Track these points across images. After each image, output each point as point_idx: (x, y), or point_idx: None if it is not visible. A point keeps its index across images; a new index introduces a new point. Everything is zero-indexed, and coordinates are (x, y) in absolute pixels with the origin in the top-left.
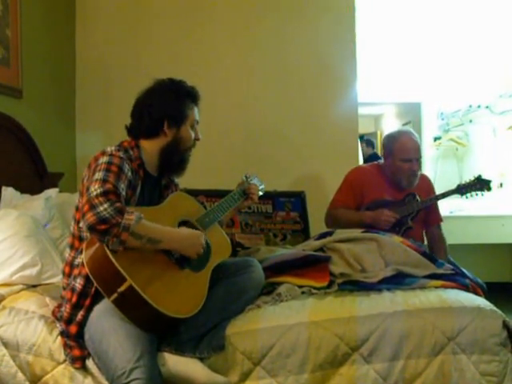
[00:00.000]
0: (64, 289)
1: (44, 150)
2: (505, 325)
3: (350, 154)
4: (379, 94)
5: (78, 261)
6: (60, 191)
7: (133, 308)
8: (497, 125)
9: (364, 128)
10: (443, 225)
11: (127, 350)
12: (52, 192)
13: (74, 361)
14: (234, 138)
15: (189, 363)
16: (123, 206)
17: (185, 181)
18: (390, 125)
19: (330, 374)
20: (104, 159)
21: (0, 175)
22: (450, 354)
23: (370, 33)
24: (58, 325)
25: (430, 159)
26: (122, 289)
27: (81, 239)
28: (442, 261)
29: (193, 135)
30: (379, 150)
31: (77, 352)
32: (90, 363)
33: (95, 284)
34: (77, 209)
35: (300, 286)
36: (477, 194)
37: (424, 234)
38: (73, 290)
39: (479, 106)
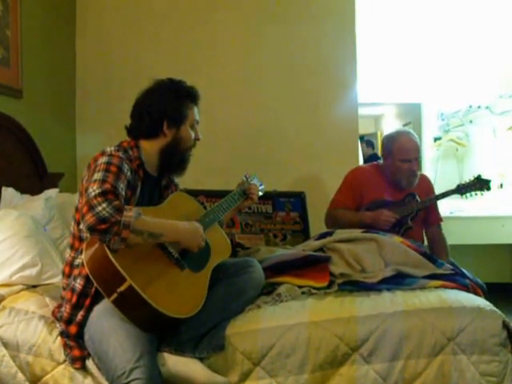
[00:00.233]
0: (64, 289)
1: (44, 150)
2: (505, 325)
3: (350, 154)
4: (379, 94)
5: (77, 261)
6: (60, 191)
7: (133, 308)
8: (497, 125)
9: (364, 128)
10: (443, 225)
11: (127, 350)
12: (52, 192)
13: (73, 361)
14: (234, 139)
15: (189, 363)
16: (122, 204)
17: (185, 181)
18: (390, 125)
19: (330, 374)
20: (103, 159)
21: (0, 175)
22: (450, 354)
23: (370, 34)
24: (57, 325)
25: (430, 160)
26: (121, 289)
27: (81, 239)
28: (442, 261)
29: (193, 135)
30: (379, 151)
31: (77, 352)
32: (89, 363)
33: (95, 284)
34: (76, 209)
35: (300, 287)
36: (476, 194)
37: (424, 234)
38: (73, 290)
39: (479, 107)
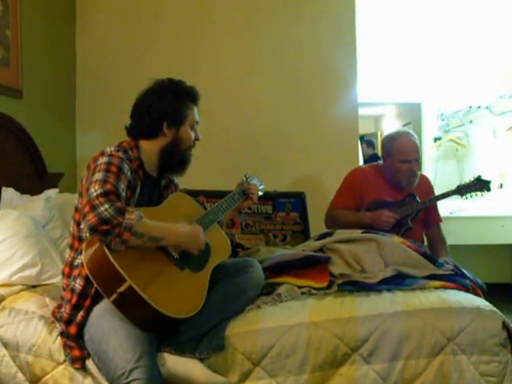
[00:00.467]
0: (64, 289)
1: (44, 151)
2: (504, 325)
3: (350, 154)
4: (379, 94)
5: (77, 261)
6: (60, 191)
7: (132, 308)
8: (497, 125)
9: (364, 129)
10: (443, 225)
11: (127, 350)
12: (52, 192)
13: (73, 361)
14: (233, 139)
15: (188, 363)
16: (124, 205)
17: (184, 181)
18: (390, 125)
19: (330, 374)
20: (103, 160)
21: (0, 175)
22: (450, 354)
23: (370, 34)
24: (57, 325)
25: (430, 160)
26: (121, 289)
27: (80, 240)
28: (441, 261)
29: (192, 135)
30: (379, 151)
31: (77, 352)
32: (89, 364)
33: (95, 284)
34: (76, 209)
35: (300, 287)
36: (476, 195)
37: (424, 234)
38: (73, 290)
39: (479, 107)
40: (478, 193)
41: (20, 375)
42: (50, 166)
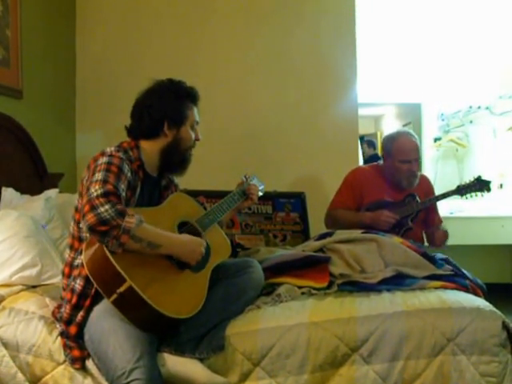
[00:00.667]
0: (64, 289)
1: (44, 151)
2: (504, 326)
3: (350, 154)
4: (379, 94)
5: (77, 261)
6: (60, 192)
7: (132, 308)
8: (497, 126)
9: (364, 129)
10: (443, 225)
11: (127, 350)
12: (52, 192)
13: (73, 361)
14: (233, 139)
15: (188, 364)
16: (124, 208)
17: (185, 181)
18: (390, 126)
19: (330, 374)
20: (104, 160)
21: (0, 176)
22: (450, 354)
23: (370, 34)
24: (57, 325)
25: (430, 160)
26: (121, 289)
27: (80, 240)
28: (441, 262)
29: (193, 135)
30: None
31: (76, 353)
32: (89, 364)
33: (95, 285)
34: (76, 209)
35: (300, 287)
36: (476, 195)
37: (424, 234)
38: (73, 290)
39: (479, 107)
40: (478, 193)
41: (20, 375)
42: (49, 166)
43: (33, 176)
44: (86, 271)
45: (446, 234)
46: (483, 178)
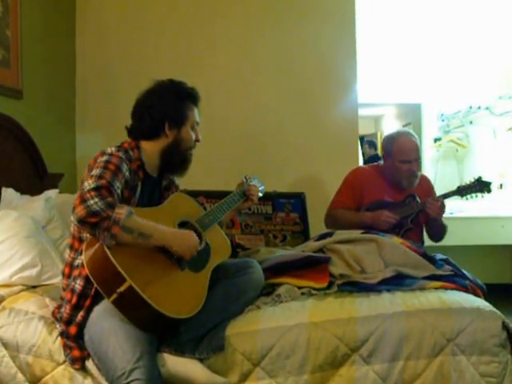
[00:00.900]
0: (64, 290)
1: (44, 151)
2: (504, 326)
3: (350, 155)
4: (379, 95)
5: (77, 262)
6: (60, 192)
7: (132, 308)
8: (497, 126)
9: (364, 129)
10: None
11: (127, 350)
12: (52, 193)
13: (73, 362)
14: (233, 140)
15: (188, 364)
16: (114, 200)
17: (185, 182)
18: (390, 126)
19: (330, 374)
20: (103, 158)
21: (0, 176)
22: (450, 355)
23: (370, 34)
24: (57, 326)
25: (430, 160)
26: (121, 289)
27: (81, 240)
28: (441, 262)
29: (193, 136)
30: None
31: (76, 353)
32: (89, 364)
33: (95, 285)
34: None
35: (300, 287)
36: (476, 196)
37: (423, 233)
38: (73, 290)
39: (479, 108)
40: (479, 194)
41: (20, 376)
42: (49, 167)
43: (33, 176)
44: (86, 271)
45: (442, 203)
46: (484, 179)
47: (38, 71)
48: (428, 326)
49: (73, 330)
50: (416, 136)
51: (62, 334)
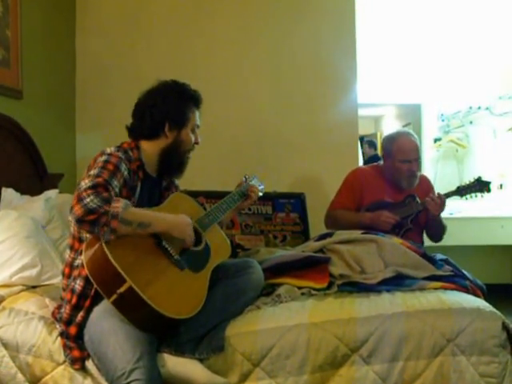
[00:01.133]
0: (64, 290)
1: (44, 151)
2: (504, 326)
3: (350, 155)
4: (379, 95)
5: (77, 262)
6: (60, 192)
7: (132, 309)
8: (497, 126)
9: (364, 129)
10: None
11: (127, 350)
12: (52, 193)
13: (73, 362)
14: (233, 140)
15: (188, 364)
16: (109, 195)
17: (185, 182)
18: (390, 126)
19: (330, 375)
20: (102, 158)
21: (0, 176)
22: (450, 355)
23: (370, 34)
24: (57, 326)
25: (430, 161)
26: (121, 290)
27: (80, 240)
28: (441, 262)
29: (193, 138)
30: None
31: (76, 353)
32: (89, 364)
33: (95, 285)
34: None
35: (299, 287)
36: (476, 196)
37: (424, 233)
38: (72, 291)
39: (479, 108)
40: (478, 194)
41: (20, 376)
42: (49, 167)
43: (33, 176)
44: (86, 272)
45: (442, 199)
46: (483, 178)
47: (38, 71)
48: (428, 327)
49: (73, 330)
50: (416, 136)
51: (62, 335)
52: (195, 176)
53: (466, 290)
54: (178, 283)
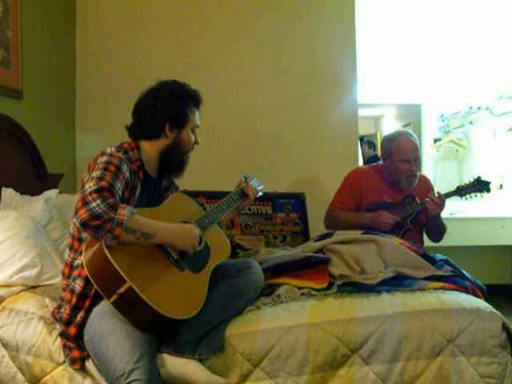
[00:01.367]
0: (63, 290)
1: (44, 151)
2: (504, 327)
3: (350, 155)
4: (379, 95)
5: (77, 262)
6: (60, 192)
7: (132, 309)
8: (497, 126)
9: (364, 129)
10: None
11: (126, 351)
12: (52, 193)
13: (73, 362)
14: (234, 140)
15: (188, 364)
16: (116, 201)
17: (184, 182)
18: (390, 126)
19: (330, 375)
20: (103, 159)
21: (0, 176)
22: (450, 355)
23: (370, 34)
24: (57, 326)
25: (431, 161)
26: (121, 290)
27: (80, 240)
28: (441, 262)
29: (193, 139)
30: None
31: (76, 353)
32: (89, 364)
33: (94, 285)
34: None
35: (299, 288)
36: (476, 196)
37: (424, 233)
38: (72, 291)
39: (479, 108)
40: (478, 194)
41: (19, 376)
42: (49, 167)
43: (33, 176)
44: (85, 272)
45: (441, 198)
46: (483, 178)
47: (38, 71)
48: (428, 327)
49: (72, 330)
50: (415, 136)
51: (62, 335)
52: (195, 176)
53: (466, 291)
54: (177, 284)
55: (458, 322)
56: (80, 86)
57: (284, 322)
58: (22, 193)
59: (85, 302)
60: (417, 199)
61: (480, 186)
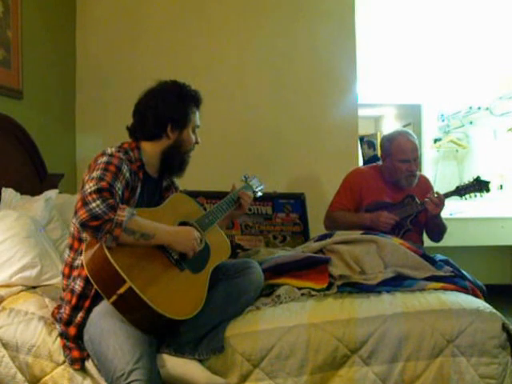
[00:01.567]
0: (63, 290)
1: (44, 151)
2: (504, 327)
3: (350, 155)
4: (379, 95)
5: (77, 262)
6: (60, 192)
7: (132, 310)
8: (497, 126)
9: (364, 129)
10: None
11: (126, 351)
12: (52, 193)
13: (73, 362)
14: (234, 140)
15: (188, 365)
16: (116, 202)
17: (185, 182)
18: (390, 126)
19: (329, 375)
20: (103, 159)
21: (0, 176)
22: (449, 356)
23: (370, 34)
24: (57, 326)
25: (431, 161)
26: (121, 291)
27: (80, 240)
28: (441, 263)
29: (193, 139)
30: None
31: (76, 353)
32: (89, 364)
33: (94, 286)
34: None
35: (299, 288)
36: (475, 196)
37: (424, 233)
38: (72, 291)
39: (479, 108)
40: (478, 193)
41: (19, 376)
42: (49, 167)
43: (33, 177)
44: (85, 272)
45: (440, 198)
46: (482, 178)
47: (38, 71)
48: (428, 327)
49: (72, 330)
50: (415, 136)
51: (62, 335)
52: (195, 176)
53: (466, 291)
54: (177, 284)
55: (457, 322)
56: (80, 86)
57: (284, 322)
58: (22, 193)
59: (85, 302)
60: (416, 199)
61: (479, 185)
